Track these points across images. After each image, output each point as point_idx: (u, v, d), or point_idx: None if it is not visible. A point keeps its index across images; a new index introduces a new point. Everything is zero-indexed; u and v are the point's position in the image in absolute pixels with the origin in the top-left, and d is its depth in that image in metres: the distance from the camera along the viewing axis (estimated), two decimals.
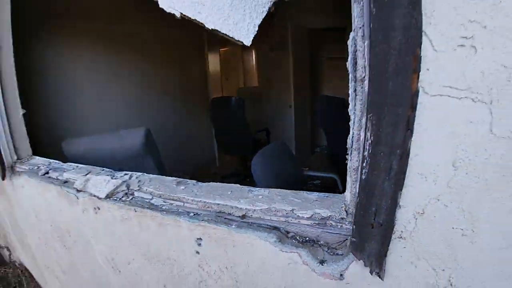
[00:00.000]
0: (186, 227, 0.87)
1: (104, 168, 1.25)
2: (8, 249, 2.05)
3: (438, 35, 0.51)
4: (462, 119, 0.53)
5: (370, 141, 0.58)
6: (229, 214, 0.83)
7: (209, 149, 4.06)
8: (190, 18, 0.71)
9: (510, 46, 0.48)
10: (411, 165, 0.58)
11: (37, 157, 1.56)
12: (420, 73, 0.53)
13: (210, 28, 0.72)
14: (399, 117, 0.54)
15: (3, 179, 1.49)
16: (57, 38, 2.26)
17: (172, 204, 0.93)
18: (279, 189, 0.87)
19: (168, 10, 0.74)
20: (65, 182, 1.23)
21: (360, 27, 0.59)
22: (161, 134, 2.43)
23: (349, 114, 0.66)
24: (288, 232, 0.76)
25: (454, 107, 0.53)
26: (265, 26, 0.70)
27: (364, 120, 0.60)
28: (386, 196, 0.60)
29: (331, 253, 0.73)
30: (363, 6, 0.56)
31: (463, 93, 0.52)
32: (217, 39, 4.10)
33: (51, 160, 1.46)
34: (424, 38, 0.51)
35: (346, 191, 0.73)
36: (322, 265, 0.72)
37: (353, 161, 0.67)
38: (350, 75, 0.63)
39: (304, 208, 0.77)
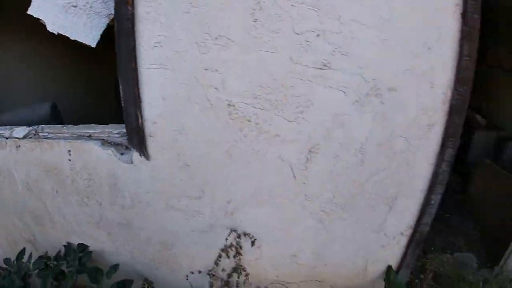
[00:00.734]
0: (63, 145, 1.61)
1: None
2: None
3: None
4: (158, 78, 1.35)
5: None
6: (84, 136, 1.59)
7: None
8: (60, 33, 1.48)
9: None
10: (143, 99, 1.38)
11: None
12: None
13: (73, 38, 1.50)
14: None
15: None
16: None
17: (58, 135, 1.67)
18: (107, 125, 1.65)
19: (43, 21, 1.51)
20: None
21: None
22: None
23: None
24: (108, 141, 1.53)
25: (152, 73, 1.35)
26: None
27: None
28: (134, 115, 1.39)
29: (126, 149, 1.51)
30: None
31: (155, 66, 1.33)
32: None
33: None
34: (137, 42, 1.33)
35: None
36: (122, 155, 1.49)
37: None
38: None
39: (115, 128, 1.55)
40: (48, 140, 1.65)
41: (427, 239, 2.91)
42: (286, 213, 1.63)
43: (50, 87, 3.62)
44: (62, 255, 1.81)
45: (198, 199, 1.61)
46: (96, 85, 4.28)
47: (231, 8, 1.26)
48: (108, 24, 1.50)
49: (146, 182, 1.58)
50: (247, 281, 1.80)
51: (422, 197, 1.57)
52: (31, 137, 1.74)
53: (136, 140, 1.44)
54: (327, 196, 1.55)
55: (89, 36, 1.49)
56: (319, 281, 1.82)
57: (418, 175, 1.52)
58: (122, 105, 1.41)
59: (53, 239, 1.90)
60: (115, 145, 1.52)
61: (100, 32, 1.50)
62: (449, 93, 1.39)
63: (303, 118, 1.41)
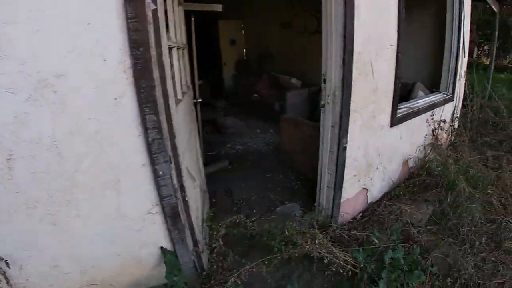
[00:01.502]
0: None
1: None
2: None
3: None
4: None
5: None
6: None
7: None
8: None
9: None
10: None
11: None
12: None
13: None
14: None
15: None
16: None
17: None
18: None
19: None
20: None
21: None
22: None
23: None
24: None
25: None
26: None
27: None
28: None
29: None
30: None
31: None
32: None
33: None
34: None
35: None
36: None
37: None
38: None
39: None
40: None
41: (251, 203, 3.03)
42: (24, 227, 1.55)
43: None
44: None
45: None
46: None
47: None
48: None
49: None
50: None
51: (148, 171, 1.57)
52: None
53: None
54: (45, 197, 1.50)
55: None
56: (98, 283, 1.75)
57: (129, 150, 1.50)
58: None
59: None
60: None
61: None
62: (128, 61, 1.37)
63: None
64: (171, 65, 1.95)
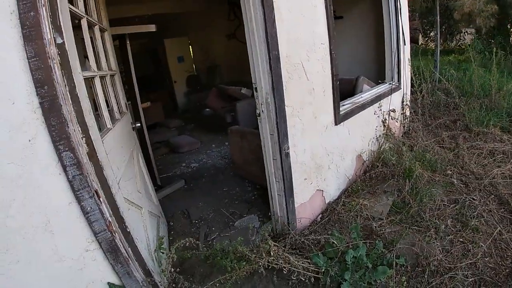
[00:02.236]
0: None
1: None
2: None
3: None
4: None
5: None
6: None
7: None
8: None
9: None
10: None
11: None
12: None
13: None
14: None
15: None
16: None
17: None
18: None
19: None
20: None
21: None
22: None
23: None
24: None
25: None
26: None
27: None
28: None
29: None
30: None
31: None
32: None
33: None
34: None
35: None
36: None
37: None
38: None
39: None
40: None
41: (209, 221, 2.99)
42: None
43: None
44: None
45: None
46: None
47: None
48: None
49: None
50: None
51: (76, 208, 1.50)
52: None
53: None
54: None
55: None
56: None
57: (52, 190, 1.42)
58: None
59: None
60: None
61: None
62: (35, 100, 1.28)
63: None
64: (96, 94, 1.91)
